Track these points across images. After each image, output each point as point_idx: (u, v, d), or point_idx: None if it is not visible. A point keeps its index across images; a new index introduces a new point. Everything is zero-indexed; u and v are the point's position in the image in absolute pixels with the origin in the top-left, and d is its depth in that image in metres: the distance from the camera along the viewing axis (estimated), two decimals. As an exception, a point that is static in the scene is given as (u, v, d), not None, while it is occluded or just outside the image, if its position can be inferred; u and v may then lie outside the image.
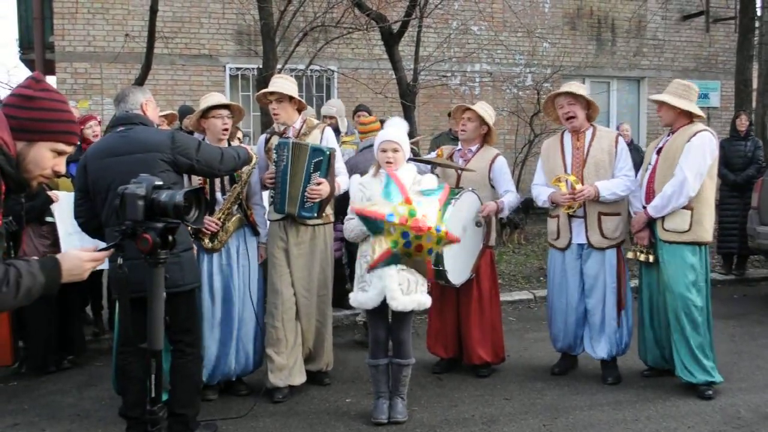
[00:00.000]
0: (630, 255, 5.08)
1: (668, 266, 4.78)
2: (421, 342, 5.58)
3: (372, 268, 4.12)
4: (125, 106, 4.08)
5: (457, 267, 4.82)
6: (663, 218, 4.79)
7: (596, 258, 5.04)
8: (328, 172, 4.71)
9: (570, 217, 5.07)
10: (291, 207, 4.74)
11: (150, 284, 2.54)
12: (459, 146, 5.44)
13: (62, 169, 2.40)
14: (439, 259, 4.62)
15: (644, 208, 4.89)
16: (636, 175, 5.06)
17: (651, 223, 4.88)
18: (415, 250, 3.94)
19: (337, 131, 7.53)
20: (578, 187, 4.91)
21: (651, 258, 4.91)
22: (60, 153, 2.34)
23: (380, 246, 3.94)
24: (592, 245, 5.02)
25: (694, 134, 4.72)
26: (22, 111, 2.25)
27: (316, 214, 4.78)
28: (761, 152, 8.62)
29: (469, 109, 5.28)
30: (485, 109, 5.26)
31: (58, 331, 5.61)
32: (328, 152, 4.70)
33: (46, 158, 2.30)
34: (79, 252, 2.41)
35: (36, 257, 3.00)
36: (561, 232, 5.14)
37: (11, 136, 2.20)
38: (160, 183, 2.52)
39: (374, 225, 3.94)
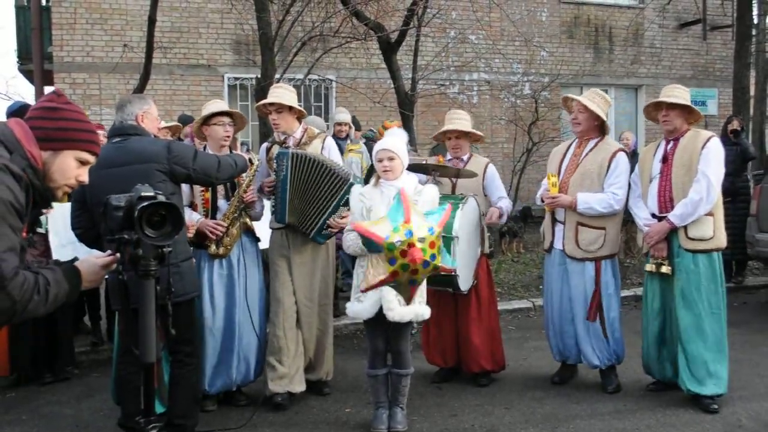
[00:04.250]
0: (649, 268, 4.88)
1: (690, 274, 4.66)
2: (420, 351, 5.56)
3: (367, 290, 4.07)
4: (122, 116, 4.08)
5: (464, 274, 4.88)
6: (686, 227, 4.66)
7: (576, 268, 5.01)
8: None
9: (554, 220, 5.10)
10: (292, 218, 4.75)
11: (140, 295, 2.53)
12: (449, 157, 5.45)
13: (85, 179, 2.46)
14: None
15: (661, 218, 4.74)
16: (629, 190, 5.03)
17: (669, 233, 4.73)
18: (411, 273, 3.88)
19: (347, 138, 7.60)
20: (554, 191, 4.96)
21: (670, 269, 4.75)
22: (83, 162, 2.44)
23: (376, 265, 3.86)
24: (566, 253, 5.02)
25: (708, 139, 4.68)
26: (47, 121, 2.36)
27: (327, 241, 4.86)
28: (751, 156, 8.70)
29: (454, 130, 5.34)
30: (465, 119, 5.36)
31: (46, 344, 5.60)
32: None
33: (71, 167, 2.40)
34: (94, 258, 2.47)
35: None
36: (546, 234, 5.21)
37: (38, 148, 2.31)
38: (148, 194, 2.50)
39: (371, 245, 3.88)
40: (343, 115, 7.85)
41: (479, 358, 5.21)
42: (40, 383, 5.54)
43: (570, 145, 5.23)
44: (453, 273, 4.55)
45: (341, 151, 7.57)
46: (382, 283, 3.85)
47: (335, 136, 7.62)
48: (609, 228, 4.97)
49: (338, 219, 4.71)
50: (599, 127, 4.98)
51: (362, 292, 4.13)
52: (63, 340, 5.70)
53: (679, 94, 4.80)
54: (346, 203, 4.67)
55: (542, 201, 5.12)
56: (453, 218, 4.69)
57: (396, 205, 3.93)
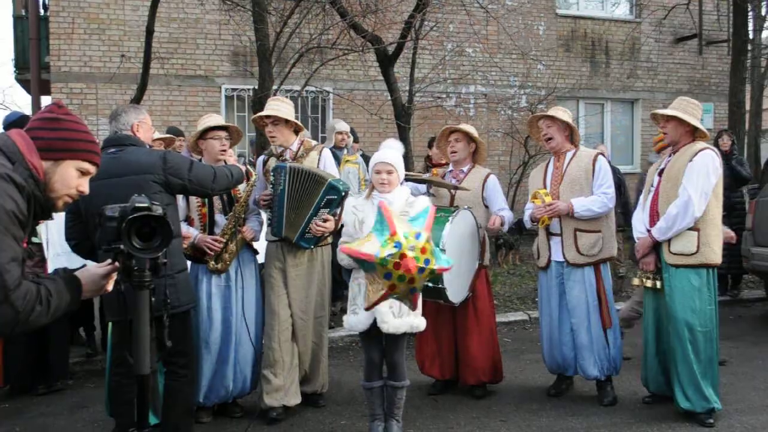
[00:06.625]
0: (636, 282, 4.93)
1: (675, 291, 4.61)
2: (416, 363, 5.54)
3: (370, 308, 3.98)
4: (116, 126, 4.04)
5: (455, 285, 4.82)
6: (669, 241, 4.63)
7: (576, 276, 5.03)
8: (338, 211, 4.71)
9: (549, 234, 5.09)
10: (289, 232, 4.73)
11: (134, 307, 2.52)
12: (450, 167, 5.46)
13: (86, 189, 2.48)
14: (438, 278, 4.61)
15: (648, 231, 4.76)
16: (617, 194, 5.09)
17: (656, 247, 4.73)
18: (408, 283, 3.81)
19: (345, 149, 7.64)
20: (548, 200, 4.95)
21: (658, 284, 4.73)
22: (84, 173, 2.45)
23: (374, 282, 3.79)
24: (568, 262, 5.02)
25: (697, 153, 4.59)
26: (48, 132, 2.39)
27: (312, 246, 4.79)
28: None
29: (455, 130, 5.33)
30: (469, 127, 5.36)
31: (38, 356, 5.58)
32: (344, 192, 4.67)
33: (72, 177, 2.42)
34: (95, 269, 2.47)
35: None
36: (540, 251, 5.20)
37: (39, 159, 2.33)
38: (142, 205, 2.49)
39: (364, 265, 3.82)
40: (343, 125, 7.91)
41: (478, 371, 5.20)
42: (34, 394, 5.51)
43: (547, 163, 5.28)
44: (440, 286, 4.58)
45: (338, 161, 7.60)
46: (383, 298, 3.80)
47: (335, 146, 7.65)
48: (604, 230, 5.04)
49: (319, 222, 4.66)
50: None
51: (366, 310, 4.07)
52: (56, 351, 5.67)
53: (682, 106, 4.74)
54: (326, 205, 4.64)
55: (533, 221, 5.10)
56: (442, 230, 4.64)
57: (379, 219, 3.90)
